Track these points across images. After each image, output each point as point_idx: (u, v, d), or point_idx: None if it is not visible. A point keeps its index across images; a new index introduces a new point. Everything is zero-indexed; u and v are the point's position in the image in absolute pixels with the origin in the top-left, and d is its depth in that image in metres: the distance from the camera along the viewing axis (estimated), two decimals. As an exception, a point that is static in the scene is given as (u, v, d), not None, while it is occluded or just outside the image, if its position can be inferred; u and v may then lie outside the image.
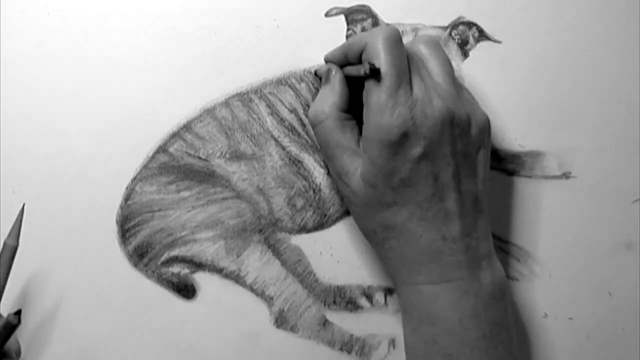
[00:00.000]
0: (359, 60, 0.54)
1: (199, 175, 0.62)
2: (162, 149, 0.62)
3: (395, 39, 0.51)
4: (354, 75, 0.54)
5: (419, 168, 0.49)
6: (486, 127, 0.54)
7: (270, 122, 0.63)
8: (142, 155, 0.62)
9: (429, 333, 0.50)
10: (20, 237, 0.58)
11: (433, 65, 0.53)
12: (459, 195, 0.51)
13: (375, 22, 0.62)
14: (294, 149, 0.62)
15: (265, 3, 0.63)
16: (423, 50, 0.54)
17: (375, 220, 0.52)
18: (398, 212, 0.50)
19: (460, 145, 0.51)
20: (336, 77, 0.56)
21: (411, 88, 0.50)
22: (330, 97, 0.55)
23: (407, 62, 0.51)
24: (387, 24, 0.61)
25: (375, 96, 0.49)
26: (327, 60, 0.59)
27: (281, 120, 0.63)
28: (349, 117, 0.54)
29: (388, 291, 0.62)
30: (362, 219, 0.54)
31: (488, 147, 0.54)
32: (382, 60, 0.50)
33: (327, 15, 0.63)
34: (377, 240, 0.53)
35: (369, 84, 0.50)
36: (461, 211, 0.51)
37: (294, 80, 0.63)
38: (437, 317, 0.50)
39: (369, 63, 0.49)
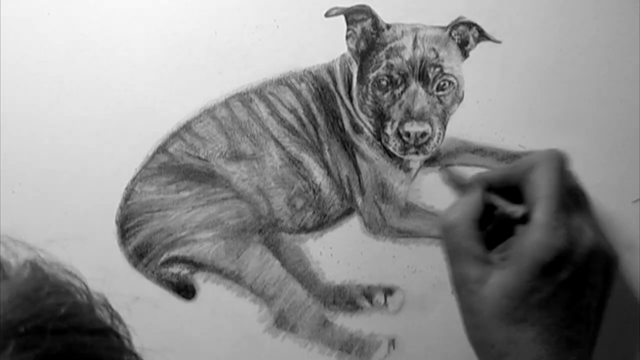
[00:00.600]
0: (521, 179, 0.54)
1: (198, 175, 0.62)
2: (162, 149, 0.62)
3: (564, 162, 0.53)
4: (503, 211, 0.55)
5: (560, 292, 0.50)
6: (616, 265, 0.55)
7: (270, 122, 0.63)
8: (142, 155, 0.62)
9: None
10: (21, 237, 0.58)
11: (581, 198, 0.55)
12: (584, 325, 0.51)
13: (375, 22, 0.62)
14: (293, 149, 0.62)
15: (265, 3, 0.62)
16: (574, 178, 0.56)
17: (498, 333, 0.51)
18: (525, 330, 0.50)
19: (597, 278, 0.52)
20: (477, 194, 0.56)
21: (572, 213, 0.51)
22: (468, 208, 0.55)
23: (566, 190, 0.52)
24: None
25: (539, 214, 0.50)
26: (479, 180, 0.58)
27: (281, 121, 0.63)
28: (477, 228, 0.54)
29: (388, 291, 0.62)
30: (483, 330, 0.52)
31: (613, 284, 0.55)
32: (553, 180, 0.51)
33: (327, 15, 0.63)
34: (491, 353, 0.52)
35: (536, 196, 0.52)
36: (582, 341, 0.51)
37: (294, 80, 0.63)
38: None
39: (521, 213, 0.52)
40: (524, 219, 0.52)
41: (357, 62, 0.63)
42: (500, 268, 0.51)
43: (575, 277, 0.50)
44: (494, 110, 0.63)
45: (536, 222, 0.50)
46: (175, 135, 0.62)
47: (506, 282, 0.51)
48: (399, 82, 0.62)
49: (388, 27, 0.63)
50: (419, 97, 0.61)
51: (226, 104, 0.62)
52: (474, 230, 0.54)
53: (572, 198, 0.53)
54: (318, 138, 0.63)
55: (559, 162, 0.53)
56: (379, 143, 0.63)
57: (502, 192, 0.55)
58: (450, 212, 0.55)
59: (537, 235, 0.50)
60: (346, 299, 0.62)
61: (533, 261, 0.50)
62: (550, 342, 0.50)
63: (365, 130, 0.63)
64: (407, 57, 0.62)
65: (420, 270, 0.62)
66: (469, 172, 0.63)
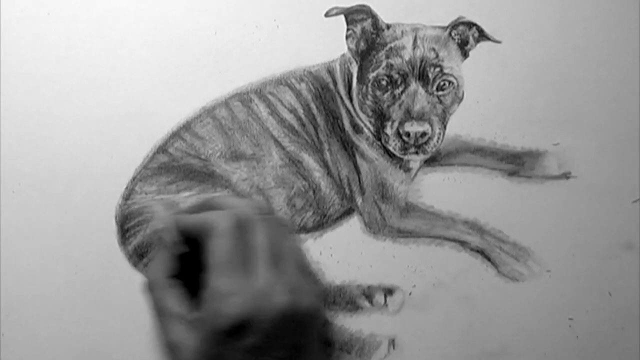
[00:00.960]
0: (199, 236, 0.49)
1: (198, 175, 0.62)
2: (162, 149, 0.62)
3: (239, 223, 0.49)
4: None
5: (247, 358, 0.47)
6: (314, 319, 0.52)
7: (270, 122, 0.63)
8: (142, 155, 0.62)
9: None
10: (21, 237, 0.58)
11: (259, 255, 0.50)
12: None
13: (375, 22, 0.62)
14: (293, 149, 0.62)
15: (265, 3, 0.63)
16: (266, 236, 0.51)
17: None
18: None
19: (299, 339, 0.49)
20: (163, 246, 0.53)
21: (256, 276, 0.48)
22: (161, 266, 0.53)
23: (251, 251, 0.49)
24: (234, 209, 0.57)
25: (214, 280, 0.48)
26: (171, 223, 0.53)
27: (281, 120, 0.63)
28: (177, 283, 0.52)
29: (388, 291, 0.62)
30: None
31: (316, 334, 0.52)
32: (224, 245, 0.48)
33: (327, 15, 0.63)
34: None
35: (211, 263, 0.49)
36: None
37: (293, 80, 0.63)
38: None
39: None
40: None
41: (357, 62, 0.63)
42: (192, 330, 0.49)
43: (264, 342, 0.47)
44: (494, 110, 0.63)
45: (212, 290, 0.47)
46: (175, 135, 0.62)
47: (196, 347, 0.48)
48: (399, 82, 0.62)
49: (388, 27, 0.63)
50: (419, 97, 0.61)
51: (226, 103, 0.62)
52: (171, 288, 0.51)
53: (271, 257, 0.49)
54: (318, 138, 0.63)
55: (233, 224, 0.49)
56: (379, 143, 0.63)
57: None
58: (147, 270, 0.53)
59: (213, 303, 0.48)
60: (346, 298, 0.62)
61: (212, 329, 0.47)
62: None
63: (365, 130, 0.63)
64: (407, 57, 0.62)
65: (420, 270, 0.62)
66: (470, 172, 0.63)
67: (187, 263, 0.52)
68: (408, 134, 0.61)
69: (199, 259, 0.50)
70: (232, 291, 0.47)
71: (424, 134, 0.61)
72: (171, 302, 0.50)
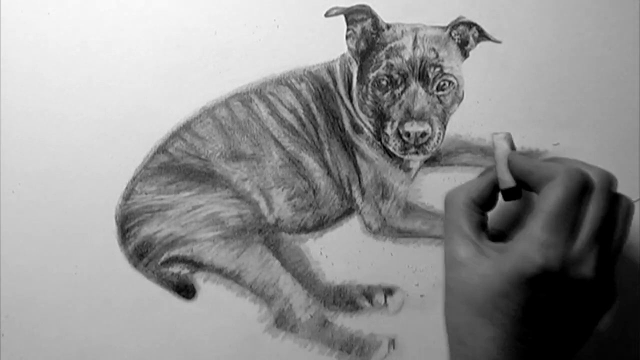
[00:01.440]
0: (537, 184, 0.51)
1: (198, 175, 0.62)
2: (162, 149, 0.62)
3: (581, 185, 0.49)
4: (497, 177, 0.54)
5: (529, 308, 0.48)
6: (611, 311, 0.53)
7: (270, 122, 0.63)
8: (142, 155, 0.62)
9: None
10: (21, 237, 0.58)
11: (616, 239, 0.51)
12: (541, 348, 0.50)
13: (375, 22, 0.62)
14: (293, 149, 0.62)
15: (265, 3, 0.63)
16: (618, 217, 0.52)
17: (463, 318, 0.51)
18: (486, 327, 0.49)
19: (576, 312, 0.50)
20: (487, 176, 0.55)
21: (574, 240, 0.48)
22: (471, 186, 0.54)
23: (581, 216, 0.49)
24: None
25: (534, 225, 0.48)
26: (510, 164, 0.55)
27: (281, 120, 0.63)
28: (480, 212, 0.53)
29: (388, 291, 0.62)
30: (452, 310, 0.52)
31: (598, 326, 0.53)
32: (561, 198, 0.48)
33: (327, 15, 0.63)
34: (454, 336, 0.52)
35: (540, 209, 0.49)
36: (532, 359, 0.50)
37: (293, 80, 0.63)
38: None
39: (506, 189, 0.51)
40: (510, 193, 0.51)
41: (357, 62, 0.63)
42: (486, 257, 0.50)
43: (552, 301, 0.48)
44: (494, 110, 0.63)
45: (528, 232, 0.48)
46: (175, 135, 0.62)
47: (484, 274, 0.49)
48: (399, 82, 0.62)
49: (388, 27, 0.63)
50: (419, 97, 0.61)
51: (226, 103, 0.62)
52: (471, 210, 0.52)
53: (600, 230, 0.49)
54: (318, 138, 0.63)
55: (578, 184, 0.49)
56: (379, 143, 0.63)
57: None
58: (456, 187, 0.54)
59: (525, 246, 0.48)
60: (346, 299, 0.62)
61: (515, 270, 0.48)
62: (505, 350, 0.49)
63: (365, 130, 0.63)
64: (407, 57, 0.62)
65: (420, 270, 0.62)
66: (469, 172, 0.63)
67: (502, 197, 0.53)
68: (408, 134, 0.61)
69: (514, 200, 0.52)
70: (549, 243, 0.47)
71: (424, 134, 0.61)
72: (467, 223, 0.51)
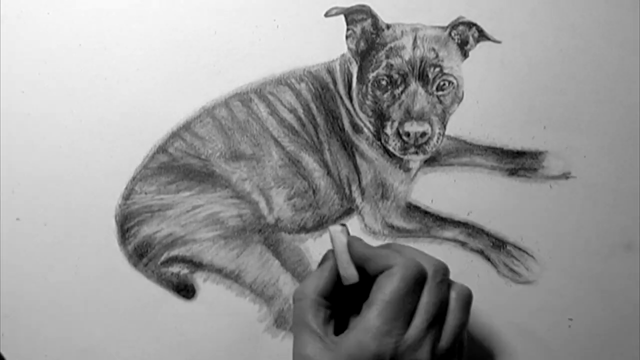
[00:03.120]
0: (374, 271, 0.52)
1: (198, 175, 0.62)
2: (161, 149, 0.62)
3: (416, 277, 0.51)
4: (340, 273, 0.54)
5: None
6: None
7: (269, 122, 0.63)
8: (142, 155, 0.62)
9: None
10: (21, 237, 0.58)
11: (451, 325, 0.52)
12: None
13: (375, 22, 0.62)
14: (293, 149, 0.62)
15: (265, 3, 0.63)
16: (452, 304, 0.53)
17: None
18: None
19: None
20: (328, 265, 0.55)
21: (408, 327, 0.50)
22: (315, 281, 0.55)
23: (415, 305, 0.50)
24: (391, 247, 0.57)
25: (369, 313, 0.50)
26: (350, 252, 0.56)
27: (281, 120, 0.63)
28: (328, 305, 0.54)
29: (388, 291, 0.62)
30: None
31: None
32: (398, 289, 0.50)
33: (326, 15, 0.63)
34: None
35: (375, 298, 0.50)
36: None
37: (293, 80, 0.63)
38: None
39: (347, 276, 0.52)
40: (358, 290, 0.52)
41: (357, 62, 0.63)
42: (330, 351, 0.50)
43: None
44: (494, 110, 0.63)
45: (364, 321, 0.50)
46: (175, 135, 0.62)
47: None
48: (398, 82, 0.62)
49: (388, 27, 0.63)
50: (418, 97, 0.61)
51: (226, 103, 0.62)
52: (319, 305, 0.53)
53: (434, 317, 0.51)
54: (318, 138, 0.63)
55: (412, 274, 0.50)
56: (379, 143, 0.63)
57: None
58: (301, 284, 0.55)
59: (360, 335, 0.49)
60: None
61: (350, 358, 0.49)
62: None
63: (365, 130, 0.63)
64: (406, 57, 0.62)
65: (420, 270, 0.62)
66: (470, 172, 0.63)
67: (344, 289, 0.54)
68: (408, 134, 0.61)
69: (358, 290, 0.53)
70: (384, 332, 0.49)
71: (423, 134, 0.61)
72: (313, 319, 0.52)
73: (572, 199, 0.63)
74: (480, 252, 0.62)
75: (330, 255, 0.56)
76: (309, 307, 0.53)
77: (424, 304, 0.51)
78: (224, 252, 0.61)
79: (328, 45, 0.62)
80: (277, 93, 0.62)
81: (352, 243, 0.55)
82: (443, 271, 0.52)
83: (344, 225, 0.56)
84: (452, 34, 0.63)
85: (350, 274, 0.54)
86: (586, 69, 0.63)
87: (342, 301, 0.55)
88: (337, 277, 0.55)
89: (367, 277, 0.53)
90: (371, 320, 0.50)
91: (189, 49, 0.62)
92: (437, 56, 0.62)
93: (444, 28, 0.63)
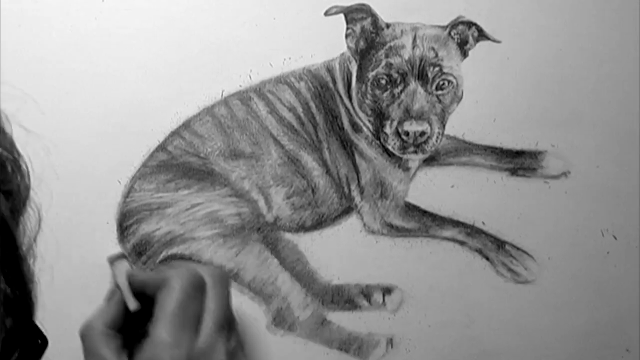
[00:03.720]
0: (154, 292, 0.53)
1: (197, 173, 0.62)
2: (161, 147, 0.62)
3: (195, 283, 0.51)
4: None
5: None
6: None
7: (269, 120, 0.63)
8: (141, 153, 0.62)
9: None
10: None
11: (208, 316, 0.53)
12: None
13: (375, 21, 0.62)
14: (292, 148, 0.62)
15: (264, 2, 0.63)
16: (218, 301, 0.54)
17: None
18: None
19: None
20: (113, 298, 0.55)
21: (199, 335, 0.50)
22: (101, 314, 0.55)
23: (200, 311, 0.51)
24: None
25: (156, 330, 0.50)
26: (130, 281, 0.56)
27: (280, 119, 0.63)
28: (117, 336, 0.54)
29: (386, 290, 0.62)
30: None
31: None
32: (178, 300, 0.50)
33: (326, 14, 0.63)
34: None
35: (158, 315, 0.51)
36: None
37: (293, 79, 0.63)
38: None
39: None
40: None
41: (356, 61, 0.63)
42: None
43: None
44: (494, 110, 0.63)
45: (153, 339, 0.50)
46: (174, 134, 0.62)
47: None
48: (398, 81, 0.62)
49: (387, 26, 0.63)
50: (418, 96, 0.61)
51: (225, 102, 0.62)
52: (109, 337, 0.53)
53: (221, 319, 0.51)
54: (317, 137, 0.63)
55: (189, 282, 0.51)
56: (378, 142, 0.63)
57: None
58: (87, 320, 0.55)
59: (151, 352, 0.49)
60: (344, 297, 0.62)
61: None
62: None
63: (364, 129, 0.63)
64: (406, 56, 0.62)
65: (418, 269, 0.62)
66: (469, 172, 0.63)
67: (137, 320, 0.54)
68: (407, 133, 0.61)
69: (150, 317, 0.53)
70: (173, 344, 0.49)
71: (422, 133, 0.61)
72: (106, 349, 0.52)
73: (571, 198, 0.63)
74: (479, 252, 0.62)
75: (114, 290, 0.56)
76: (98, 339, 0.53)
77: (210, 309, 0.51)
78: (223, 251, 0.61)
79: (328, 44, 0.62)
80: (276, 92, 0.62)
81: (132, 273, 0.55)
82: (223, 275, 0.52)
83: (123, 256, 0.56)
84: (452, 34, 0.63)
85: (131, 302, 0.54)
86: (586, 69, 0.63)
87: (138, 331, 0.55)
88: (125, 308, 0.55)
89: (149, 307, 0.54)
90: (160, 335, 0.50)
91: (189, 47, 0.62)
92: (436, 55, 0.62)
93: (443, 27, 0.63)
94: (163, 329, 0.50)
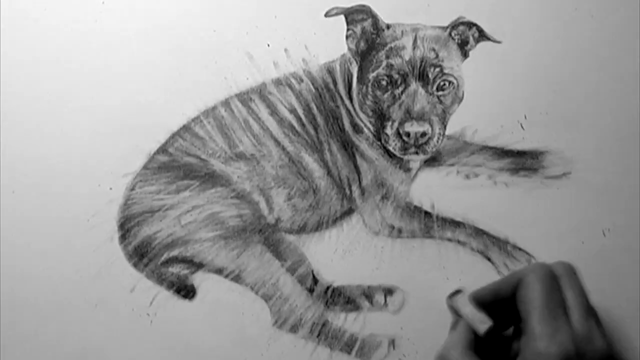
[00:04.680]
0: (511, 294, 0.53)
1: (198, 175, 0.62)
2: (162, 149, 0.62)
3: (550, 274, 0.52)
4: (470, 323, 0.55)
5: None
6: None
7: (270, 122, 0.63)
8: (142, 155, 0.62)
9: None
10: (20, 237, 0.58)
11: (574, 303, 0.53)
12: None
13: (375, 22, 0.62)
14: (293, 149, 0.62)
15: (265, 3, 0.63)
16: (577, 289, 0.54)
17: None
18: None
19: None
20: (459, 326, 0.56)
21: (572, 322, 0.50)
22: (455, 340, 0.55)
23: (563, 300, 0.51)
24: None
25: (530, 325, 0.50)
26: (474, 299, 0.56)
27: (281, 120, 0.63)
28: (473, 355, 0.54)
29: (388, 291, 0.62)
30: None
31: None
32: (540, 291, 0.50)
33: (327, 15, 0.63)
34: None
35: (527, 310, 0.51)
36: None
37: (293, 81, 0.63)
38: None
39: (488, 327, 0.52)
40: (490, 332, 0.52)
41: (357, 62, 0.63)
42: None
43: None
44: (494, 110, 0.63)
45: (532, 333, 0.50)
46: (175, 135, 0.62)
47: None
48: (399, 82, 0.62)
49: (388, 27, 0.63)
50: (419, 97, 0.61)
51: (226, 103, 0.62)
52: (470, 357, 0.53)
53: (588, 305, 0.52)
54: (318, 138, 0.63)
55: (548, 274, 0.52)
56: (379, 143, 0.63)
57: (497, 307, 0.54)
58: (442, 348, 0.55)
59: (534, 347, 0.49)
60: (346, 299, 0.62)
61: None
62: None
63: (365, 130, 0.63)
64: (407, 57, 0.62)
65: (420, 270, 0.62)
66: (470, 172, 0.63)
67: (483, 346, 0.54)
68: (408, 134, 0.61)
69: (495, 342, 0.54)
70: (554, 330, 0.49)
71: (424, 134, 0.61)
72: None
73: (573, 198, 0.63)
74: (481, 252, 0.62)
75: (457, 320, 0.56)
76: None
77: (574, 297, 0.51)
78: (224, 252, 0.61)
79: (328, 44, 0.62)
80: (277, 93, 0.62)
81: (474, 293, 0.56)
82: (570, 266, 0.53)
83: (458, 291, 0.57)
84: (452, 34, 0.63)
85: (481, 319, 0.54)
86: (586, 69, 0.63)
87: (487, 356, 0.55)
88: (473, 334, 0.55)
89: (499, 323, 0.54)
90: (536, 328, 0.50)
91: (189, 48, 0.62)
92: (437, 56, 0.62)
93: (444, 28, 0.63)
94: (538, 323, 0.51)
